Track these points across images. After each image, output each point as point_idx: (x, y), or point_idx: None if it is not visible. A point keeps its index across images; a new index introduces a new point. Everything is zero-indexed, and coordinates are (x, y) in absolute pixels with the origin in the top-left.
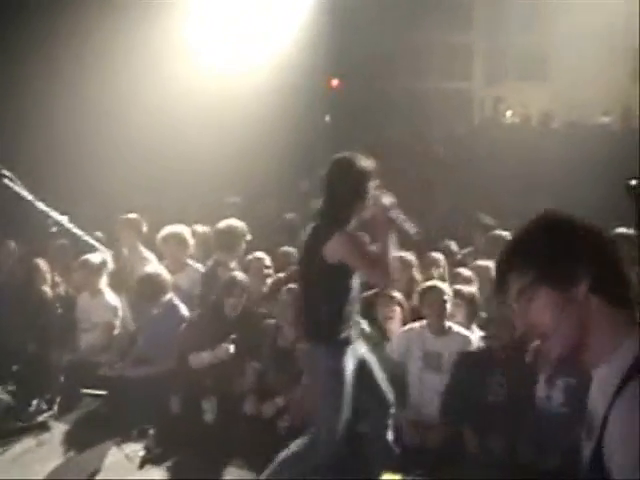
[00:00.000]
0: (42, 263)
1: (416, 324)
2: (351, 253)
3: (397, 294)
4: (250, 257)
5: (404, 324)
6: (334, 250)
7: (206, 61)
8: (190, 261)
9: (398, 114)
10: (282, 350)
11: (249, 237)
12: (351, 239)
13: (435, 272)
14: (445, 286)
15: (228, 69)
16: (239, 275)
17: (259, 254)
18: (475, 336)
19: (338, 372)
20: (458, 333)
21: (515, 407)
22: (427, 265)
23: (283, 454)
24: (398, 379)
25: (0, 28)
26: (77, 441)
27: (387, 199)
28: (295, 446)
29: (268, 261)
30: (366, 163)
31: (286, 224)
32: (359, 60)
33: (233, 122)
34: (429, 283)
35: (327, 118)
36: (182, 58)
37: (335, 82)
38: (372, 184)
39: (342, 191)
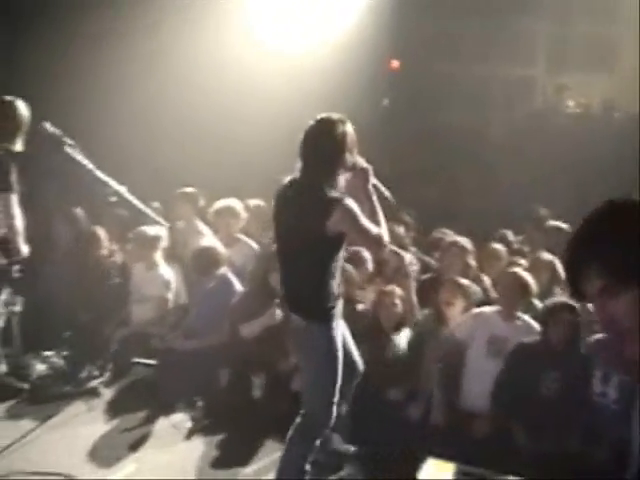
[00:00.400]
0: (100, 231)
1: (486, 308)
2: (354, 224)
3: (463, 281)
4: None
5: (465, 311)
6: (337, 223)
7: (265, 39)
8: (243, 237)
9: (458, 98)
10: None
11: None
12: (352, 210)
13: (495, 265)
14: (525, 274)
15: (287, 48)
16: None
17: None
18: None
19: (334, 348)
20: (525, 321)
21: (568, 402)
22: (487, 257)
23: (289, 434)
24: (454, 362)
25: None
26: (126, 408)
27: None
28: (296, 426)
29: None
30: (349, 126)
31: None
32: (420, 42)
33: (291, 101)
34: (510, 269)
35: (385, 101)
36: (241, 37)
37: (395, 64)
38: (355, 148)
39: (329, 150)
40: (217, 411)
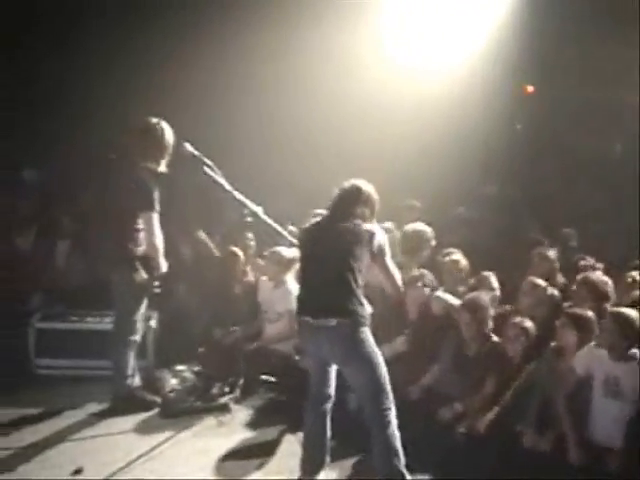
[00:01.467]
0: (237, 251)
1: None
2: (383, 256)
3: (581, 314)
4: (447, 259)
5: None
6: (377, 240)
7: (399, 59)
8: None
9: (592, 123)
10: (465, 358)
11: (434, 243)
12: (385, 242)
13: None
14: (630, 312)
15: (421, 69)
16: (422, 273)
17: (456, 256)
18: None
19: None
20: None
21: None
22: (625, 284)
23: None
24: (579, 396)
25: (204, 29)
26: (256, 425)
27: None
28: (381, 439)
29: (464, 262)
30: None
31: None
32: (555, 67)
33: (422, 122)
34: (618, 309)
35: (519, 126)
36: (374, 57)
37: (530, 89)
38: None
39: (358, 204)
40: (347, 433)
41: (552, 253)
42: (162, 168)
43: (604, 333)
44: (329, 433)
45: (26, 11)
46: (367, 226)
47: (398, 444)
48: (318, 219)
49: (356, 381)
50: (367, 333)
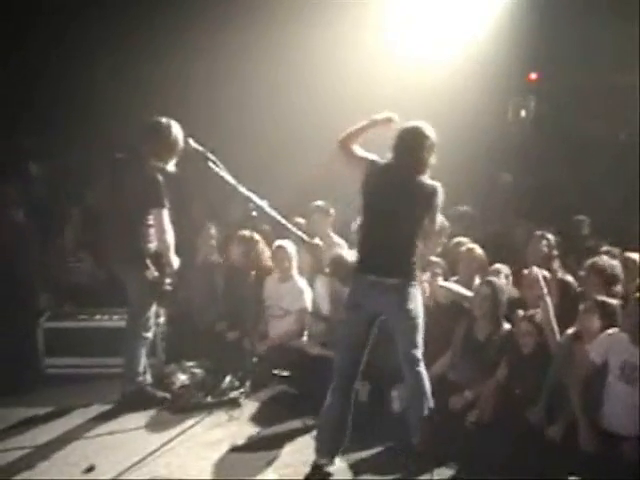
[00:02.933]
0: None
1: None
2: (436, 212)
3: (604, 300)
4: (462, 248)
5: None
6: (438, 199)
7: (403, 50)
8: None
9: (600, 110)
10: (476, 342)
11: (449, 231)
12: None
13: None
14: None
15: (424, 57)
16: (433, 261)
17: (471, 245)
18: None
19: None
20: None
21: None
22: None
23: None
24: (593, 383)
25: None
26: (266, 419)
27: None
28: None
29: (478, 251)
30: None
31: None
32: (561, 53)
33: (427, 112)
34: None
35: (523, 113)
36: (378, 47)
37: (534, 76)
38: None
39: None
40: (358, 426)
41: (551, 237)
42: (171, 167)
43: (628, 319)
44: (350, 416)
45: (28, 5)
46: (429, 184)
47: (428, 386)
48: (385, 163)
49: (399, 327)
50: (418, 289)
